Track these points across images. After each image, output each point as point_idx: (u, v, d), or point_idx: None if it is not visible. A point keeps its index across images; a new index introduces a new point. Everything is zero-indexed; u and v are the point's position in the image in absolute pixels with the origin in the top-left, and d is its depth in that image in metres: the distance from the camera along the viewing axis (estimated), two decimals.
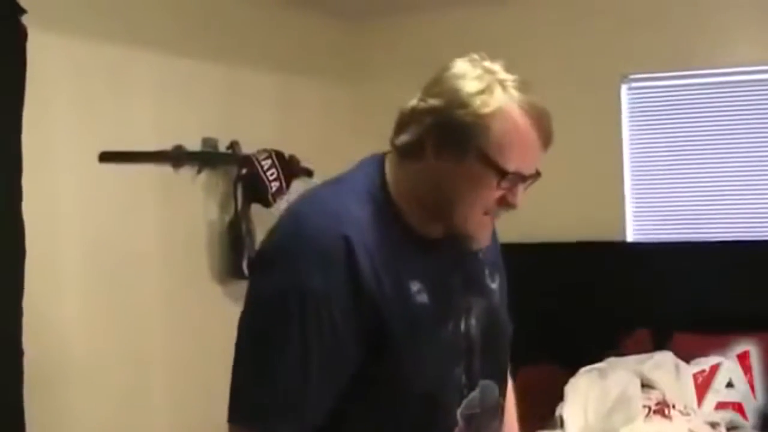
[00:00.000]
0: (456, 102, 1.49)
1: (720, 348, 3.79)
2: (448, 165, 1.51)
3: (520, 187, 1.54)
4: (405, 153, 1.55)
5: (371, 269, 1.47)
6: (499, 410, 1.72)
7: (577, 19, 4.32)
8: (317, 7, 4.37)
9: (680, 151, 4.27)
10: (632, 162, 4.33)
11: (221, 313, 3.65)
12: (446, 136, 1.50)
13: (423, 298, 1.53)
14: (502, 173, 1.49)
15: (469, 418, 1.60)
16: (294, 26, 4.33)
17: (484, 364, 1.64)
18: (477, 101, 1.48)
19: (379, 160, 1.61)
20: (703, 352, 3.79)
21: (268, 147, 3.88)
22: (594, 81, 4.28)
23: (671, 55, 4.17)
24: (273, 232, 1.56)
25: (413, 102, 1.55)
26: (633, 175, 4.34)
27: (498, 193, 1.52)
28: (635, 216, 4.35)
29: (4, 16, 2.73)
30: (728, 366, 3.73)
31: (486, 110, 1.47)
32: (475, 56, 1.55)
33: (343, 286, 1.45)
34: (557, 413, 3.50)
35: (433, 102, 1.51)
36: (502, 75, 1.51)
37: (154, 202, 3.54)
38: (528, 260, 4.04)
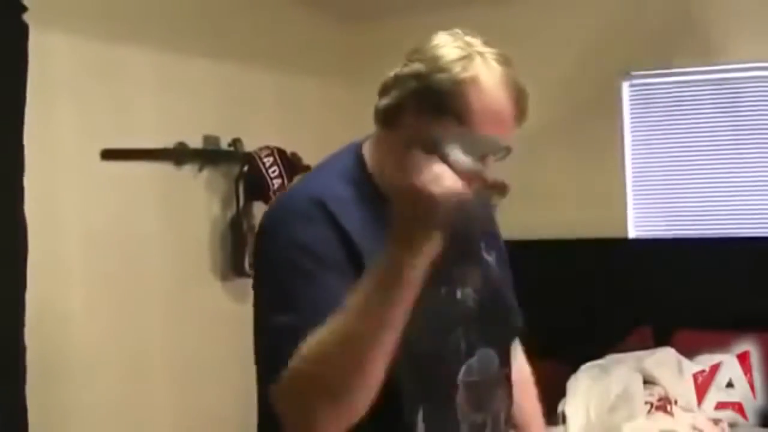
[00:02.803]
0: (437, 67, 1.54)
1: (721, 345, 3.79)
2: (425, 128, 1.53)
3: (490, 158, 1.56)
4: (386, 118, 1.60)
5: (352, 222, 1.53)
6: (502, 380, 1.73)
7: (578, 16, 4.32)
8: (320, 6, 4.37)
9: (682, 147, 4.27)
10: (633, 159, 4.33)
11: (222, 310, 3.66)
12: (426, 99, 1.54)
13: None
14: None
15: (469, 385, 1.62)
16: (296, 25, 4.33)
17: (482, 333, 1.65)
18: (457, 67, 1.52)
19: (357, 143, 1.69)
20: (705, 350, 3.79)
21: (270, 145, 3.88)
22: (595, 77, 4.28)
23: (672, 51, 4.16)
24: (261, 221, 1.65)
25: (395, 69, 1.61)
26: (634, 172, 4.34)
27: None
28: (636, 213, 4.35)
29: (6, 14, 2.73)
30: (728, 366, 3.73)
31: (464, 75, 1.52)
32: (458, 30, 1.61)
33: (332, 238, 1.51)
34: (559, 410, 3.50)
35: (416, 66, 1.56)
36: (482, 48, 1.56)
37: (156, 200, 3.54)
38: (530, 257, 4.02)
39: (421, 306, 1.54)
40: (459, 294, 1.64)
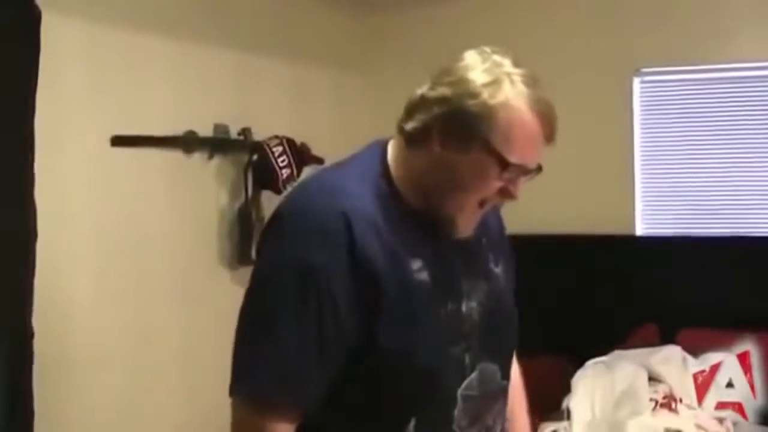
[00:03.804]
0: (465, 92, 1.52)
1: (726, 344, 3.79)
2: (452, 153, 1.54)
3: (521, 180, 1.57)
4: (411, 139, 1.58)
5: (370, 245, 1.51)
6: (501, 394, 1.73)
7: (590, 13, 4.32)
8: None
9: (691, 145, 4.26)
10: (643, 156, 4.32)
11: (230, 298, 3.63)
12: (453, 125, 1.53)
13: (423, 276, 1.57)
14: (505, 164, 1.52)
15: (468, 399, 1.62)
16: (309, 15, 4.32)
17: (485, 347, 1.66)
18: (486, 92, 1.51)
19: (383, 144, 1.66)
20: (710, 348, 3.79)
21: (280, 134, 3.88)
22: (606, 74, 4.28)
23: (684, 49, 4.15)
24: (275, 214, 1.61)
25: (423, 89, 1.58)
26: (643, 169, 4.33)
27: (499, 184, 1.56)
28: (644, 210, 4.34)
29: None
30: (728, 365, 3.72)
31: (494, 101, 1.50)
32: (486, 49, 1.58)
33: (343, 261, 1.49)
34: (564, 405, 3.50)
35: (443, 91, 1.54)
36: (511, 69, 1.54)
37: (165, 187, 3.54)
38: (537, 253, 4.04)
39: (427, 320, 1.56)
40: (464, 308, 1.64)
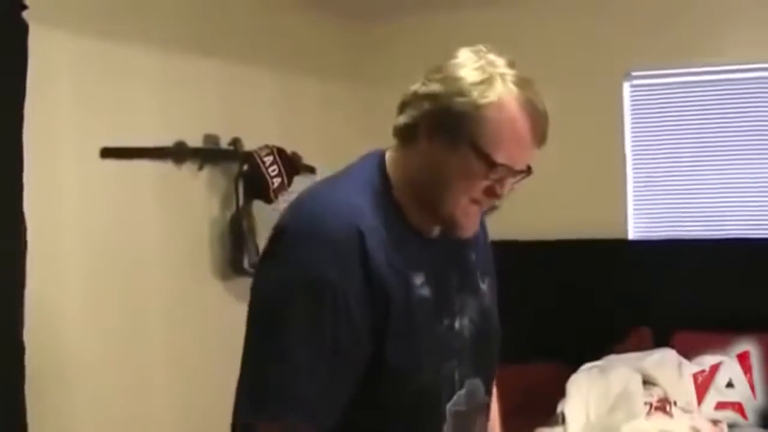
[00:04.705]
0: (455, 90, 1.51)
1: (721, 347, 3.79)
2: (440, 151, 1.53)
3: (509, 181, 1.55)
4: (401, 135, 1.58)
5: (380, 259, 1.50)
6: (485, 409, 1.74)
7: (581, 16, 4.33)
8: (322, 6, 4.37)
9: (682, 148, 4.27)
10: (634, 159, 4.33)
11: (222, 309, 3.66)
12: (441, 122, 1.52)
13: (425, 291, 1.56)
14: (492, 164, 1.51)
15: (455, 415, 1.62)
16: (298, 25, 4.33)
17: (473, 364, 1.66)
18: (476, 91, 1.50)
19: (380, 154, 1.64)
20: (704, 351, 3.79)
21: (270, 144, 3.88)
22: (596, 77, 4.29)
23: (674, 52, 4.17)
24: (278, 231, 1.56)
25: (416, 85, 1.57)
26: (635, 173, 4.34)
27: (486, 183, 1.54)
28: (636, 214, 4.35)
29: (6, 12, 2.72)
30: (728, 366, 3.72)
31: (484, 101, 1.49)
32: (482, 47, 1.57)
33: (357, 276, 1.47)
34: (559, 410, 3.50)
35: (433, 87, 1.54)
36: (504, 69, 1.53)
37: (156, 198, 3.53)
38: (530, 257, 4.05)
39: (428, 337, 1.56)
40: (457, 325, 1.63)
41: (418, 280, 1.55)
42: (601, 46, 4.27)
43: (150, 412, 3.45)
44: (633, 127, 4.33)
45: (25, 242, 2.75)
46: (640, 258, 4.23)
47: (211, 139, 3.77)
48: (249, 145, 3.85)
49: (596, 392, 3.54)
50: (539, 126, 1.53)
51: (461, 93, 1.50)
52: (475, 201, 1.56)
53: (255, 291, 1.54)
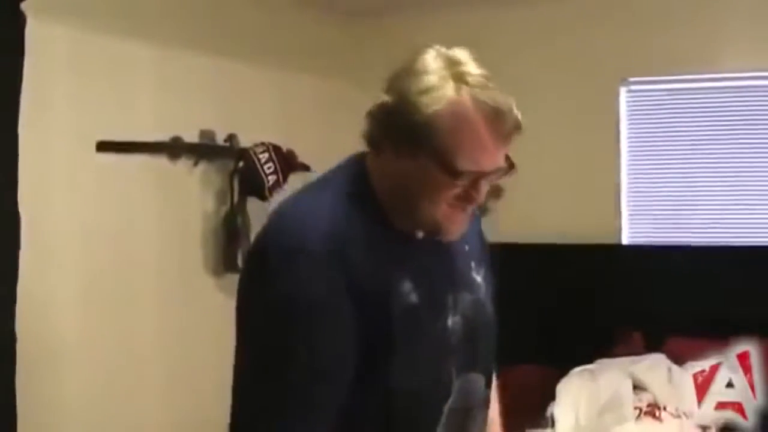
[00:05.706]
0: (404, 101, 1.47)
1: (713, 352, 3.79)
2: (404, 162, 1.49)
3: (483, 183, 1.50)
4: (369, 145, 1.55)
5: (364, 270, 1.47)
6: (485, 403, 1.71)
7: (578, 22, 4.32)
8: (318, 3, 4.37)
9: (677, 155, 4.27)
10: (629, 166, 4.34)
11: (215, 305, 3.66)
12: (397, 134, 1.48)
13: (414, 298, 1.53)
14: (455, 173, 1.46)
15: (452, 412, 1.60)
16: (295, 22, 4.33)
17: (468, 357, 1.63)
18: (424, 100, 1.45)
19: (361, 159, 1.60)
20: (697, 356, 3.79)
21: (266, 141, 3.88)
22: (593, 84, 4.28)
23: (671, 59, 4.17)
24: (258, 250, 1.54)
25: (380, 93, 1.53)
26: (630, 179, 4.34)
27: (456, 190, 1.49)
28: (631, 219, 4.36)
29: (4, 4, 2.72)
30: (728, 366, 3.73)
31: (432, 109, 1.44)
32: (442, 48, 1.52)
33: (341, 291, 1.45)
34: (548, 413, 3.50)
35: (385, 98, 1.50)
36: (462, 68, 1.47)
37: (151, 193, 3.54)
38: (523, 261, 4.05)
39: (420, 342, 1.53)
40: (450, 323, 1.60)
41: (406, 287, 1.52)
42: (599, 53, 4.27)
43: (141, 406, 3.45)
44: (629, 134, 4.33)
45: (18, 236, 2.75)
46: (634, 263, 4.24)
47: (206, 134, 3.77)
48: (245, 141, 3.85)
49: (586, 396, 3.54)
50: (499, 123, 1.46)
51: (412, 104, 1.45)
52: (453, 206, 1.52)
53: (244, 316, 1.52)
